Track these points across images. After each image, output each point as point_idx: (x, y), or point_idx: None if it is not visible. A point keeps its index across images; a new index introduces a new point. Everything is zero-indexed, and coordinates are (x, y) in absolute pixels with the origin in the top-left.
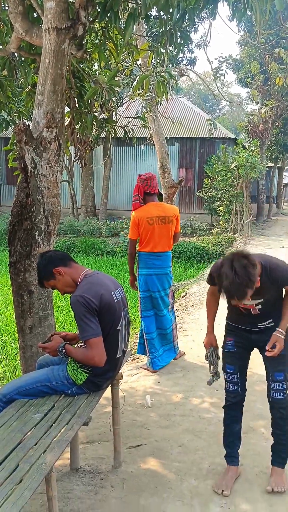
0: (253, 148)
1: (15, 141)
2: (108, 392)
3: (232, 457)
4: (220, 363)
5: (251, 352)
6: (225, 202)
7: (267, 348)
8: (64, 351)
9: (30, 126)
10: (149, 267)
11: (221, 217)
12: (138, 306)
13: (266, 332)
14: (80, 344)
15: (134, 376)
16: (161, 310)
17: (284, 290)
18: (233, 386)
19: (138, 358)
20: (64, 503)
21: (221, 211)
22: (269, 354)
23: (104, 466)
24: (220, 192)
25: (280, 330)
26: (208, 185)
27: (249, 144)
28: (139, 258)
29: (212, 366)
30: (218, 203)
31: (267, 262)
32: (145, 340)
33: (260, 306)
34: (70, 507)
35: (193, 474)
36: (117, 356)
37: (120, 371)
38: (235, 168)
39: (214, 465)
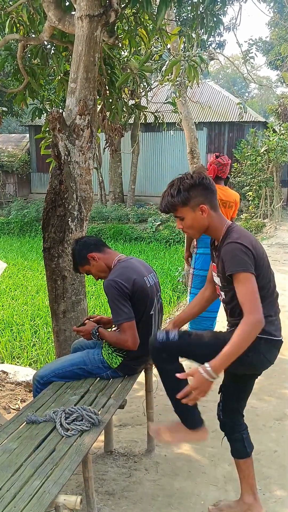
0: (283, 132)
1: (48, 128)
2: (139, 377)
3: None
4: None
5: None
6: (254, 187)
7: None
8: (97, 334)
9: (63, 114)
10: (208, 247)
11: (250, 202)
12: (188, 282)
13: None
14: (114, 328)
15: None
16: None
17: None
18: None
19: None
20: (99, 484)
21: (250, 196)
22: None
23: (138, 449)
24: (249, 177)
25: (208, 368)
26: (237, 169)
27: (279, 128)
28: (199, 238)
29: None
30: (247, 188)
31: (236, 232)
32: None
33: (223, 288)
34: (105, 488)
35: (227, 460)
36: None
37: None
38: (265, 152)
39: None
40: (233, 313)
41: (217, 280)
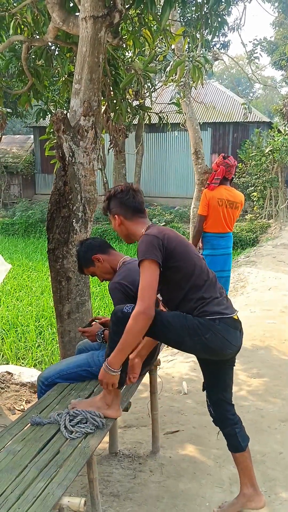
0: None
1: (52, 130)
2: (144, 378)
3: None
4: None
5: None
6: (259, 188)
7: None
8: (103, 336)
9: (67, 115)
10: (215, 248)
11: (255, 202)
12: None
13: None
14: None
15: (170, 362)
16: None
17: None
18: None
19: None
20: (104, 486)
21: (255, 196)
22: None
23: (142, 450)
24: (254, 178)
25: (106, 363)
26: (242, 170)
27: (284, 128)
28: (205, 240)
29: None
30: (252, 188)
31: (149, 229)
32: None
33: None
34: (110, 490)
35: (232, 461)
36: None
37: (157, 357)
38: (269, 152)
39: (253, 453)
40: (170, 307)
41: None
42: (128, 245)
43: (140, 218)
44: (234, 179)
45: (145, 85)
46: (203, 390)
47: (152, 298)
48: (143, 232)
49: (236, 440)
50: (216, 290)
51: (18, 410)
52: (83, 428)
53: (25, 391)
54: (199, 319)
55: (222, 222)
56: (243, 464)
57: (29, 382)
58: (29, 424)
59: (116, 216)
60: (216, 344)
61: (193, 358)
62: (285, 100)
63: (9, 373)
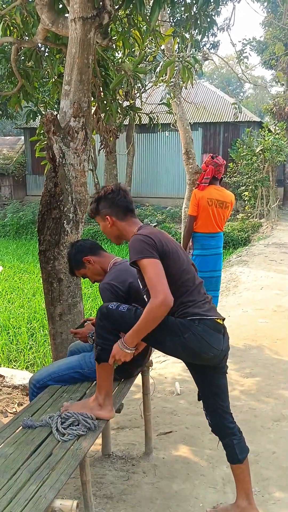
0: (279, 131)
1: (42, 131)
2: (136, 379)
3: None
4: None
5: None
6: (250, 187)
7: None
8: (93, 338)
9: (57, 116)
10: (205, 248)
11: (246, 202)
12: None
13: None
14: None
15: (162, 363)
16: (215, 290)
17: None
18: None
19: None
20: (97, 488)
21: (246, 196)
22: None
23: (136, 452)
24: (245, 177)
25: (122, 340)
26: (233, 169)
27: (275, 127)
28: (195, 240)
29: None
30: (243, 188)
31: (141, 230)
32: None
33: (143, 289)
34: (103, 492)
35: (225, 462)
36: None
37: (150, 358)
38: (260, 152)
39: None
40: None
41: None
42: (120, 246)
43: (132, 218)
44: (224, 178)
45: (135, 85)
46: (199, 400)
47: (166, 285)
48: (135, 231)
49: (234, 451)
50: (200, 295)
51: (10, 413)
52: (75, 430)
53: (17, 394)
54: (180, 319)
55: (212, 222)
56: (239, 477)
57: (21, 385)
58: (21, 427)
59: (107, 217)
60: (194, 344)
61: None
62: (275, 100)
63: (0, 375)
